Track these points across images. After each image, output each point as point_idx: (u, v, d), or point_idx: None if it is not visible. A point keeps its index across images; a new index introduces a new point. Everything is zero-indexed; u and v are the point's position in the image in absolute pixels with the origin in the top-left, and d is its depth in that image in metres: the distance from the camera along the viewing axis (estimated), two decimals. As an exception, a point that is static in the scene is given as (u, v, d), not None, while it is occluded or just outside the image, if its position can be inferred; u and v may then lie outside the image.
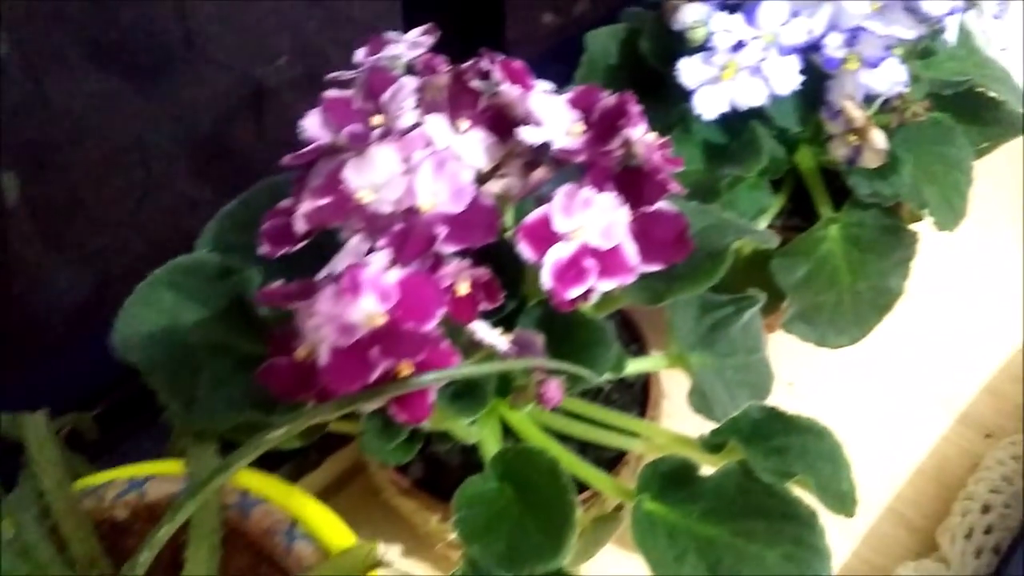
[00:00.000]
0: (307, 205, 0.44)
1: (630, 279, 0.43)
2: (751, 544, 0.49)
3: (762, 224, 0.64)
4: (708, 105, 0.58)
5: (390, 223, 0.43)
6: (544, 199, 0.44)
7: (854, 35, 0.57)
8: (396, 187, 0.44)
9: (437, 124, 0.46)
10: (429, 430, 0.51)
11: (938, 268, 0.79)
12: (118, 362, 0.70)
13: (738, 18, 0.58)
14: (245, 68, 0.90)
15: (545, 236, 0.43)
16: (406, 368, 0.40)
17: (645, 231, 0.44)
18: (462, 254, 0.43)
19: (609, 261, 0.43)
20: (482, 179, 0.46)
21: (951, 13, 0.58)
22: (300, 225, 0.44)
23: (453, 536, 0.57)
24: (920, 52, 0.62)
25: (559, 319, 0.49)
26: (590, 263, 0.43)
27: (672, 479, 0.50)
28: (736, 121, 0.61)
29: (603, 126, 0.45)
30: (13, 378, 0.71)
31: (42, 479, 0.46)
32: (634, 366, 0.58)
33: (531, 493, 0.48)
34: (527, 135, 0.44)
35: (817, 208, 0.65)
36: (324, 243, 0.46)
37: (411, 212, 0.43)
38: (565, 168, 0.46)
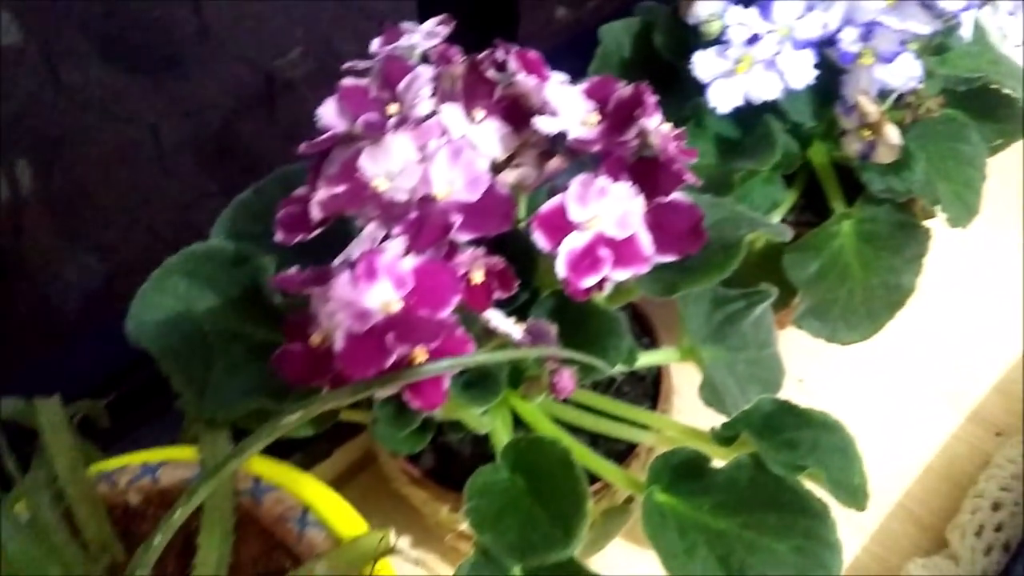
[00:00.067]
0: (323, 193, 0.44)
1: (645, 269, 0.43)
2: (762, 537, 0.49)
3: (775, 219, 0.64)
4: (722, 98, 0.58)
5: (405, 211, 0.43)
6: (558, 190, 0.44)
7: (869, 30, 0.56)
8: (412, 175, 0.44)
9: (453, 113, 0.46)
10: (441, 420, 0.51)
11: (949, 265, 0.79)
12: (129, 351, 0.71)
13: (753, 12, 0.58)
14: (258, 61, 0.90)
15: (560, 225, 0.43)
16: (421, 355, 0.40)
17: (660, 222, 0.44)
18: (477, 243, 0.43)
19: (624, 251, 0.43)
20: (497, 169, 0.46)
21: (966, 9, 0.58)
22: (316, 212, 0.44)
23: (463, 527, 0.58)
24: (935, 48, 0.62)
25: (572, 310, 0.49)
26: (605, 252, 0.43)
27: (683, 471, 0.50)
28: (749, 115, 0.61)
29: (619, 116, 0.45)
30: (25, 366, 0.72)
31: (56, 464, 0.47)
32: (646, 359, 0.58)
33: (543, 483, 0.48)
34: (543, 124, 0.44)
35: (830, 203, 0.65)
36: (337, 233, 0.46)
37: (426, 200, 0.43)
38: (579, 159, 0.46)
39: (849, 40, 0.57)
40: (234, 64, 0.92)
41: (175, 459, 0.49)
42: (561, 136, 0.46)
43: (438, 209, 0.43)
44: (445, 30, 0.50)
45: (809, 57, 0.58)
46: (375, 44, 0.51)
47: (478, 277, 0.43)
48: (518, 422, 0.53)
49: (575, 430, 0.54)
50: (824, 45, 0.59)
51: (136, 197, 0.86)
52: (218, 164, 0.89)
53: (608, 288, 0.45)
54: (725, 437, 0.52)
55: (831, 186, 0.65)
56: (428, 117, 0.45)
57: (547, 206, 0.43)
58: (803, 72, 0.57)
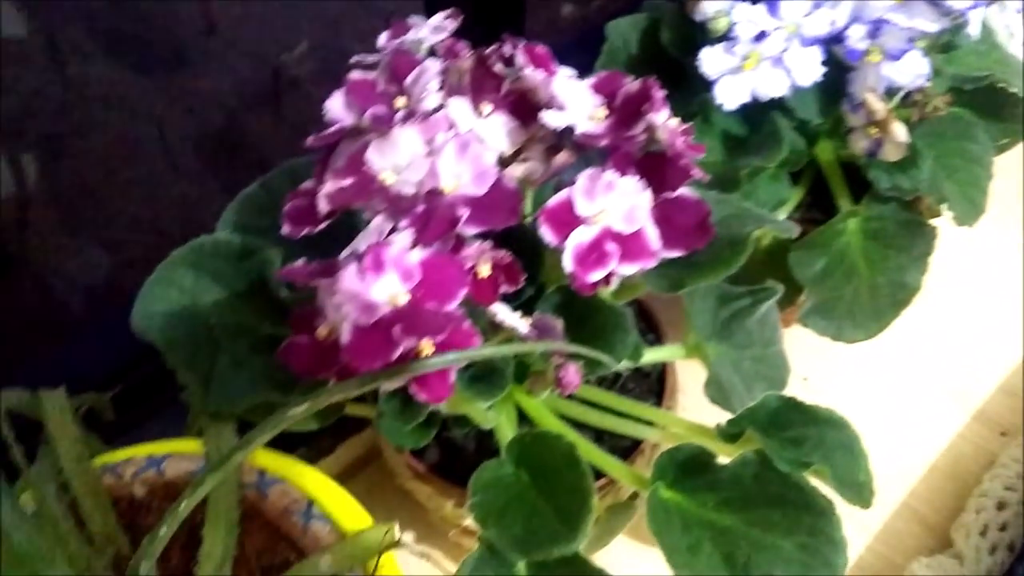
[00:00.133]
0: (330, 186, 0.44)
1: (651, 263, 0.43)
2: (767, 534, 0.49)
3: (781, 216, 0.64)
4: (729, 95, 0.58)
5: (412, 204, 0.43)
6: (565, 185, 0.44)
7: (877, 27, 0.56)
8: (419, 169, 0.44)
9: (460, 107, 0.46)
10: (446, 414, 0.51)
11: (954, 265, 0.79)
12: (133, 345, 0.71)
13: (760, 9, 0.58)
14: (265, 56, 0.90)
15: (567, 220, 0.43)
16: (427, 347, 0.40)
17: (667, 217, 0.44)
18: (483, 236, 0.43)
19: (631, 245, 0.43)
20: (504, 163, 0.46)
21: (974, 7, 0.58)
22: (323, 205, 0.44)
23: (467, 522, 0.58)
24: (942, 46, 0.62)
25: (578, 305, 0.49)
26: (612, 247, 0.43)
27: (688, 468, 0.50)
28: (756, 113, 0.61)
29: (626, 111, 0.45)
30: (30, 360, 0.72)
31: (61, 455, 0.47)
32: (651, 355, 0.58)
33: (548, 478, 0.48)
34: (550, 119, 0.44)
35: (836, 201, 0.65)
36: (343, 227, 0.46)
37: (433, 194, 0.43)
38: (586, 155, 0.46)
39: (857, 37, 0.57)
40: (240, 60, 0.92)
41: (180, 452, 0.49)
42: (568, 131, 0.46)
43: (445, 202, 0.43)
44: (452, 24, 0.50)
45: (816, 54, 0.58)
46: (382, 38, 0.51)
47: (485, 271, 0.43)
48: (522, 418, 0.53)
49: (580, 426, 0.54)
50: (831, 42, 0.58)
51: (141, 192, 0.86)
52: (224, 160, 0.89)
53: (614, 283, 0.45)
54: (730, 434, 0.52)
55: (837, 184, 0.65)
56: (436, 111, 0.45)
57: (554, 200, 0.43)
58: (810, 69, 0.57)
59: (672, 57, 0.64)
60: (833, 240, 0.63)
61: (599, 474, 0.53)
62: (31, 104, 0.83)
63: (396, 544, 0.44)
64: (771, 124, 0.60)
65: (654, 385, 0.61)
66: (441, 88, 0.46)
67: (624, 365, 0.55)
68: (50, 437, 0.48)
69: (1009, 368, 0.77)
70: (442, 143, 0.44)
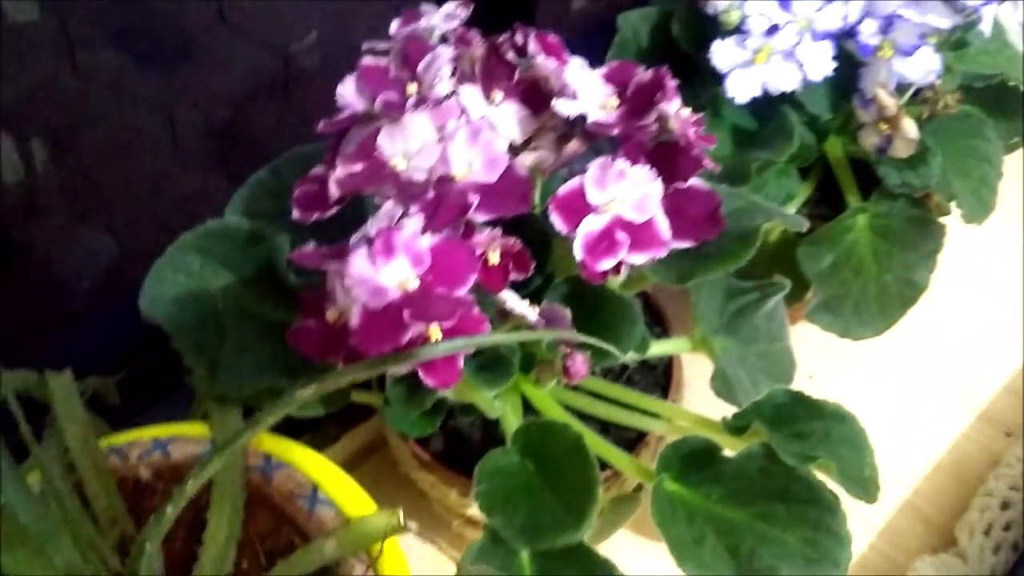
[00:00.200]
0: (341, 171, 0.44)
1: (662, 253, 0.43)
2: (771, 527, 0.49)
3: (790, 211, 0.64)
4: (740, 88, 0.58)
5: (423, 191, 0.43)
6: (575, 174, 0.44)
7: (889, 22, 0.56)
8: (430, 155, 0.44)
9: (471, 95, 0.46)
10: (452, 403, 0.51)
11: (961, 264, 0.79)
12: (138, 332, 0.71)
13: (772, 3, 0.58)
14: (274, 47, 0.90)
15: (578, 208, 0.43)
16: (436, 333, 0.40)
17: (677, 207, 0.44)
18: (493, 224, 0.43)
19: (641, 234, 0.43)
20: (514, 152, 0.46)
21: (987, 3, 0.58)
22: (334, 190, 0.44)
23: (471, 511, 0.58)
24: (953, 43, 0.62)
25: (586, 296, 0.49)
26: (622, 236, 0.43)
27: (693, 460, 0.50)
28: (766, 107, 0.61)
29: (638, 101, 0.45)
30: (35, 345, 0.72)
31: (67, 436, 0.47)
32: (658, 348, 0.58)
33: (553, 467, 0.48)
34: (562, 107, 0.44)
35: (845, 197, 0.65)
36: (352, 215, 0.46)
37: (444, 180, 0.43)
38: (596, 146, 0.46)
39: (869, 32, 0.57)
40: (249, 52, 0.92)
41: (186, 435, 0.49)
42: (579, 120, 0.46)
43: (456, 189, 0.43)
44: (464, 12, 0.50)
45: (828, 49, 0.58)
46: (394, 26, 0.51)
47: (495, 258, 0.43)
48: (528, 409, 0.53)
49: (585, 418, 0.54)
50: (843, 37, 0.58)
51: (149, 180, 0.86)
52: (231, 151, 0.89)
53: (624, 272, 0.45)
54: (736, 427, 0.52)
55: (846, 180, 0.65)
56: (447, 97, 0.45)
57: (565, 188, 0.43)
58: (822, 64, 0.57)
59: (683, 51, 0.64)
60: (841, 236, 0.63)
61: (604, 466, 0.52)
62: (40, 91, 0.83)
63: (400, 529, 0.44)
64: (781, 118, 0.60)
65: (660, 378, 0.61)
66: (453, 75, 0.46)
67: (631, 357, 0.55)
68: (56, 418, 0.48)
69: (1014, 368, 0.77)
70: (453, 130, 0.44)
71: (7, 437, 0.43)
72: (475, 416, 0.53)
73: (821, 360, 0.74)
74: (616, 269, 0.43)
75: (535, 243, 0.46)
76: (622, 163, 0.43)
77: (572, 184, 0.43)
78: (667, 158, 0.44)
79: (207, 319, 0.51)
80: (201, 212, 0.53)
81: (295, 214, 0.46)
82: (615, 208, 0.43)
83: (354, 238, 0.42)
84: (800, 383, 0.60)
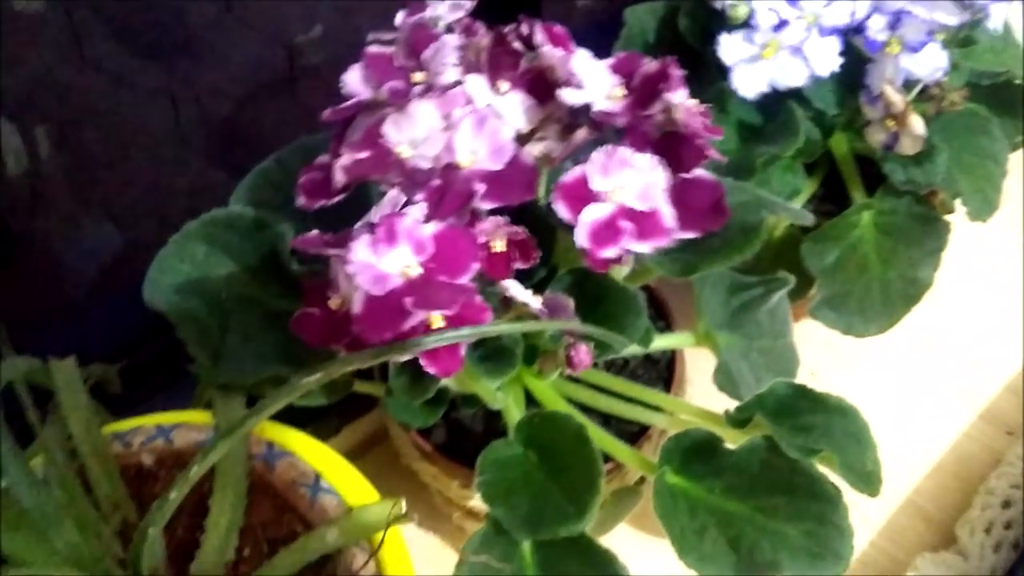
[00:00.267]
0: (346, 158, 0.44)
1: (666, 242, 0.43)
2: (773, 520, 0.48)
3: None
4: (747, 83, 0.58)
5: (428, 178, 0.43)
6: (581, 163, 0.44)
7: (897, 18, 0.56)
8: (435, 143, 0.44)
9: (477, 84, 0.46)
10: (454, 394, 0.51)
11: (964, 262, 0.79)
12: (139, 323, 0.71)
13: (780, -2, 0.58)
14: (278, 42, 0.91)
15: (582, 195, 0.43)
16: (438, 321, 0.40)
17: (682, 198, 0.44)
18: (498, 213, 0.43)
19: (645, 223, 0.43)
20: (520, 142, 0.46)
21: (996, 0, 0.57)
22: (339, 177, 0.44)
23: (472, 503, 0.58)
24: (960, 40, 0.61)
25: (590, 287, 0.49)
26: (626, 224, 0.43)
27: (695, 453, 0.50)
28: (772, 102, 0.61)
29: (644, 91, 0.45)
30: (37, 335, 0.72)
31: (70, 422, 0.47)
32: (661, 342, 0.58)
33: (555, 458, 0.48)
34: (568, 96, 0.44)
35: (850, 194, 0.65)
36: (355, 205, 0.46)
37: (450, 168, 0.43)
38: (602, 137, 0.46)
39: (876, 28, 0.57)
40: (253, 46, 0.92)
41: (189, 422, 0.49)
42: (585, 110, 0.46)
43: (461, 177, 0.43)
44: (469, 3, 0.50)
45: (835, 44, 0.58)
46: (399, 17, 0.51)
47: (499, 246, 0.43)
48: (530, 401, 0.53)
49: (588, 411, 0.54)
50: (850, 33, 0.58)
51: (153, 172, 0.86)
52: (235, 145, 0.90)
53: (628, 261, 0.45)
54: (739, 419, 0.51)
55: (851, 176, 0.65)
56: (453, 86, 0.45)
57: (569, 175, 0.43)
58: (829, 59, 0.57)
59: (689, 45, 0.64)
60: (846, 233, 0.63)
61: (606, 459, 0.52)
62: (45, 80, 0.83)
63: (403, 518, 0.44)
64: (787, 113, 0.60)
65: (663, 372, 0.61)
66: (459, 64, 0.46)
67: (634, 350, 0.55)
68: (59, 404, 0.48)
69: (1016, 368, 0.76)
70: (459, 118, 0.44)
71: (10, 424, 0.43)
72: (477, 408, 0.53)
73: (824, 357, 0.74)
74: (619, 258, 0.43)
75: (540, 235, 0.46)
76: (626, 151, 0.43)
77: (576, 172, 0.43)
78: (672, 148, 0.44)
79: (211, 308, 0.51)
80: (206, 204, 0.54)
81: (299, 201, 0.46)
82: (619, 196, 0.43)
83: (357, 225, 0.42)
84: (803, 380, 0.59)
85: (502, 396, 0.51)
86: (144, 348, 0.71)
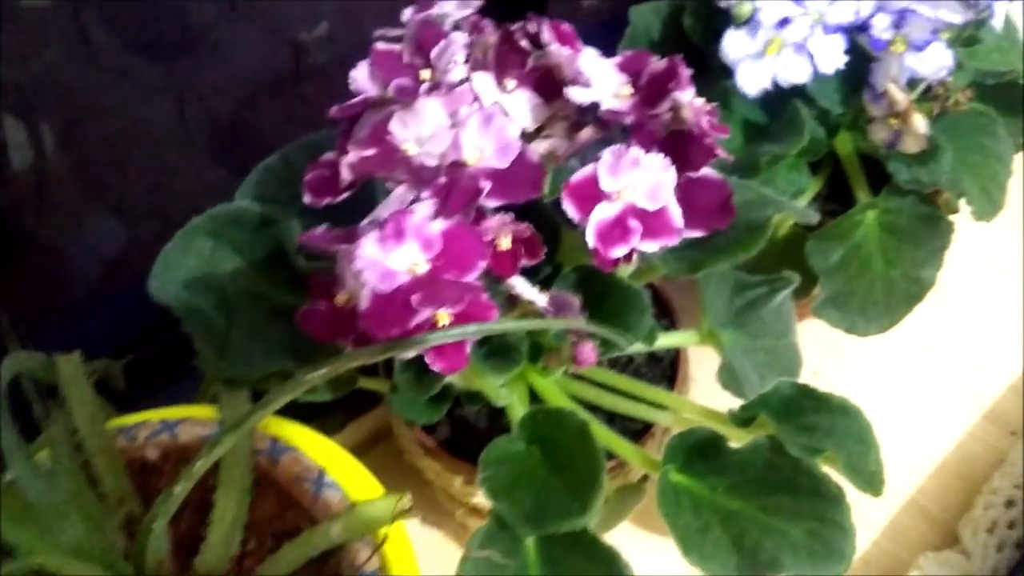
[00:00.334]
0: (353, 155, 0.44)
1: (674, 241, 0.43)
2: (776, 519, 0.49)
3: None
4: (751, 80, 0.58)
5: (435, 176, 0.43)
6: (588, 162, 0.44)
7: (902, 17, 0.56)
8: (442, 140, 0.44)
9: (484, 82, 0.46)
10: (459, 391, 0.51)
11: (965, 262, 0.79)
12: (142, 322, 0.71)
13: (785, -3, 0.58)
14: (282, 42, 0.91)
15: (591, 195, 0.43)
16: (444, 317, 0.40)
17: (689, 197, 0.44)
18: (504, 210, 0.43)
19: (654, 222, 0.43)
20: (526, 139, 0.46)
21: (999, -1, 0.58)
22: (345, 174, 0.44)
23: (475, 500, 0.58)
24: (965, 39, 0.61)
25: (595, 285, 0.49)
26: (635, 223, 0.43)
27: (699, 451, 0.50)
28: (776, 101, 0.61)
29: (651, 89, 0.45)
30: (39, 332, 0.72)
31: (75, 416, 0.47)
32: (665, 340, 0.58)
33: (559, 454, 0.48)
34: (576, 94, 0.44)
35: (854, 193, 0.65)
36: (361, 203, 0.46)
37: (456, 166, 0.43)
38: (608, 137, 0.46)
39: (881, 27, 0.57)
40: (259, 39, 0.92)
41: (194, 417, 0.49)
42: (591, 109, 0.46)
43: (468, 175, 0.43)
44: (477, 1, 0.50)
45: (840, 42, 0.58)
46: (406, 13, 0.51)
47: (505, 243, 0.43)
48: (534, 399, 0.53)
49: (592, 409, 0.54)
50: (855, 31, 0.58)
51: (158, 169, 0.86)
52: (241, 141, 0.90)
53: (635, 261, 0.45)
54: (743, 418, 0.52)
55: (856, 176, 0.65)
56: (460, 83, 0.45)
57: (578, 175, 0.43)
58: (833, 56, 0.57)
59: (694, 44, 0.64)
60: (850, 232, 0.63)
61: (609, 456, 0.53)
62: (49, 76, 0.83)
63: (408, 513, 0.44)
64: (792, 111, 0.60)
65: (667, 370, 0.61)
66: (466, 62, 0.46)
67: (638, 348, 0.55)
68: (65, 398, 0.48)
69: (1020, 368, 0.76)
70: (466, 115, 0.44)
71: (15, 419, 0.43)
72: (481, 405, 0.53)
73: (827, 357, 0.74)
74: (628, 257, 0.43)
75: (545, 233, 0.46)
76: (636, 151, 0.43)
77: (585, 171, 0.43)
78: (679, 147, 0.44)
79: (217, 303, 0.51)
80: (210, 202, 0.54)
81: (306, 198, 0.46)
82: (628, 196, 0.43)
83: (364, 222, 0.42)
84: (806, 379, 0.59)
85: (506, 393, 0.51)
86: (147, 345, 0.71)
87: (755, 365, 0.58)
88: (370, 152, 0.44)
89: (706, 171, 0.45)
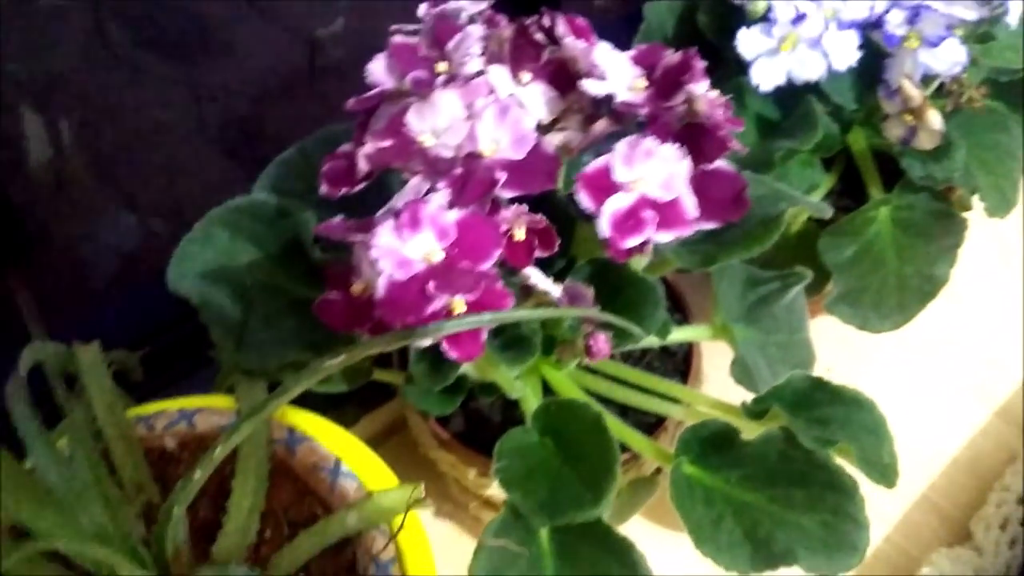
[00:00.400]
0: (370, 146, 0.45)
1: (688, 232, 0.44)
2: (789, 511, 0.49)
3: (812, 201, 0.64)
4: (765, 76, 0.58)
5: (450, 167, 0.44)
6: (602, 154, 0.44)
7: (916, 13, 0.56)
8: (458, 132, 0.44)
9: (500, 74, 0.46)
10: (473, 383, 0.51)
11: (979, 258, 0.78)
12: (158, 316, 0.71)
13: (799, -8, 0.58)
14: (300, 30, 0.91)
15: (605, 186, 0.43)
16: (460, 306, 0.40)
17: (703, 189, 0.45)
18: (519, 202, 0.44)
19: (668, 213, 0.43)
20: (541, 132, 0.46)
21: (1014, -4, 0.58)
22: (362, 165, 0.44)
23: (489, 492, 0.58)
24: (979, 36, 0.62)
25: (609, 277, 0.50)
26: (649, 214, 0.43)
27: (712, 443, 0.50)
28: (790, 97, 0.61)
29: (666, 82, 0.46)
30: (57, 325, 0.72)
31: (94, 405, 0.47)
32: (678, 334, 0.58)
33: (573, 445, 0.48)
34: (590, 87, 0.45)
35: (868, 189, 0.65)
36: (376, 195, 0.47)
37: (472, 157, 0.43)
38: (622, 130, 0.47)
39: (895, 23, 0.57)
40: (275, 35, 0.92)
41: (212, 406, 0.50)
42: (606, 102, 0.46)
43: (483, 166, 0.43)
44: (491, -4, 0.51)
45: (854, 38, 0.58)
46: (422, 8, 0.51)
47: (520, 234, 0.43)
48: (547, 392, 0.54)
49: (605, 402, 0.54)
50: (869, 27, 0.59)
51: (176, 163, 0.87)
52: (257, 136, 0.90)
53: (648, 253, 0.45)
54: (756, 411, 0.52)
55: (869, 172, 0.65)
56: (476, 76, 0.45)
57: (593, 166, 0.43)
58: (847, 53, 0.58)
59: (708, 40, 0.64)
60: (864, 228, 0.63)
61: (622, 449, 0.53)
62: (68, 71, 0.84)
63: (421, 503, 0.45)
64: (806, 107, 0.60)
65: (680, 365, 0.61)
66: (482, 55, 0.46)
67: (651, 341, 0.55)
68: (84, 387, 0.48)
69: (1033, 367, 0.76)
70: (482, 107, 0.44)
71: (36, 408, 0.44)
72: (495, 397, 0.53)
73: (839, 353, 0.74)
74: (641, 247, 0.43)
75: (559, 226, 0.46)
76: (650, 141, 0.43)
77: (599, 162, 0.43)
78: (694, 140, 0.45)
79: (233, 294, 0.51)
80: (227, 198, 0.54)
81: (323, 189, 0.46)
82: (642, 186, 0.43)
83: (381, 212, 0.43)
84: (818, 375, 0.60)
85: (520, 385, 0.52)
86: (163, 337, 0.72)
87: (768, 360, 0.58)
88: (387, 143, 0.45)
89: (720, 163, 0.45)
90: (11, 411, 0.42)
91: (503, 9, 0.51)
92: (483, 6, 0.50)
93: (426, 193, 0.43)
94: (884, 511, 0.69)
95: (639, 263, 0.50)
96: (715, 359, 0.61)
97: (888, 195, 0.64)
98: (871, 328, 0.65)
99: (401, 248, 0.40)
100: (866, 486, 0.49)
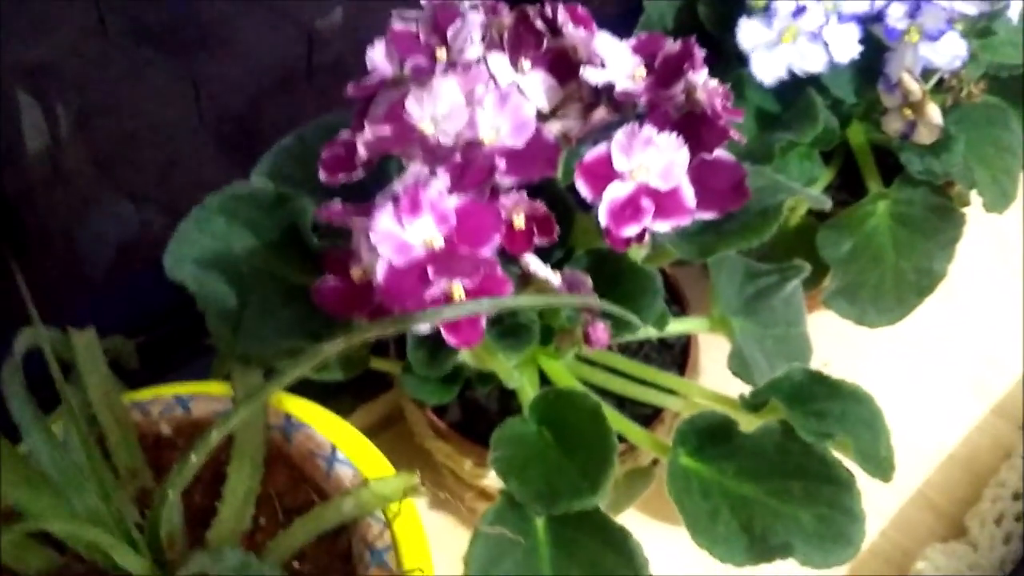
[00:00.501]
0: (369, 133, 0.45)
1: (686, 221, 0.44)
2: (786, 504, 0.49)
3: (811, 195, 0.64)
4: (766, 69, 0.58)
5: (450, 154, 0.44)
6: (601, 142, 0.44)
7: (916, 6, 0.56)
8: (458, 119, 0.44)
9: (500, 62, 0.46)
10: (470, 372, 0.51)
11: (979, 254, 0.78)
12: (154, 304, 0.71)
13: (800, -15, 0.58)
14: (299, 20, 0.91)
15: (604, 174, 0.43)
16: (459, 291, 0.40)
17: (703, 178, 0.45)
18: (518, 189, 0.44)
19: (666, 202, 0.43)
20: (541, 120, 0.46)
21: (1015, -8, 0.58)
22: (361, 152, 0.44)
23: (485, 482, 0.58)
24: (979, 31, 0.62)
25: (607, 267, 0.50)
26: (647, 203, 0.43)
27: (709, 435, 0.50)
28: (790, 90, 0.61)
29: (666, 71, 0.46)
30: (53, 314, 0.72)
31: (89, 390, 0.47)
32: (676, 326, 0.58)
33: (570, 435, 0.48)
34: (591, 75, 0.45)
35: (866, 183, 0.65)
36: (375, 183, 0.47)
37: (472, 144, 0.43)
38: (622, 119, 0.46)
39: (896, 16, 0.57)
40: (275, 27, 0.92)
41: (207, 392, 0.50)
42: (606, 90, 0.46)
43: (483, 153, 0.43)
44: (493, -16, 0.50)
45: (855, 31, 0.58)
46: (423, -3, 0.51)
47: (519, 221, 0.43)
48: (544, 383, 0.54)
49: (602, 393, 0.54)
50: (870, 21, 0.58)
51: (171, 154, 0.87)
52: (257, 127, 0.90)
53: (647, 242, 0.45)
54: (754, 404, 0.52)
55: (868, 166, 0.65)
56: (477, 63, 0.45)
57: (591, 154, 0.43)
58: (848, 45, 0.57)
59: (708, 32, 0.64)
60: (862, 222, 0.63)
61: (619, 440, 0.52)
62: (67, 58, 0.84)
63: (417, 490, 0.45)
64: (806, 100, 0.60)
65: (677, 358, 0.61)
66: (483, 42, 0.46)
67: (648, 333, 0.55)
68: (79, 373, 0.48)
69: (1030, 363, 0.76)
70: (482, 95, 0.44)
71: (32, 393, 0.44)
72: (492, 387, 0.53)
73: (837, 348, 0.74)
74: (640, 236, 0.43)
75: (558, 215, 0.46)
76: (649, 130, 0.43)
77: (598, 150, 0.43)
78: (693, 129, 0.45)
79: (231, 280, 0.51)
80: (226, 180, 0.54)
81: (322, 176, 0.46)
82: (641, 175, 0.43)
83: (380, 195, 0.43)
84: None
85: (518, 375, 0.51)
86: (160, 327, 0.72)
87: (765, 353, 0.58)
88: (386, 130, 0.45)
89: (719, 153, 0.45)
90: (6, 395, 0.42)
91: (503, -1, 0.51)
92: (484, -6, 0.50)
93: (425, 179, 0.43)
94: (880, 505, 0.69)
95: (638, 253, 0.50)
96: (712, 352, 0.60)
97: (887, 189, 0.64)
98: (868, 323, 0.65)
99: (401, 233, 0.40)
100: (862, 480, 0.49)
